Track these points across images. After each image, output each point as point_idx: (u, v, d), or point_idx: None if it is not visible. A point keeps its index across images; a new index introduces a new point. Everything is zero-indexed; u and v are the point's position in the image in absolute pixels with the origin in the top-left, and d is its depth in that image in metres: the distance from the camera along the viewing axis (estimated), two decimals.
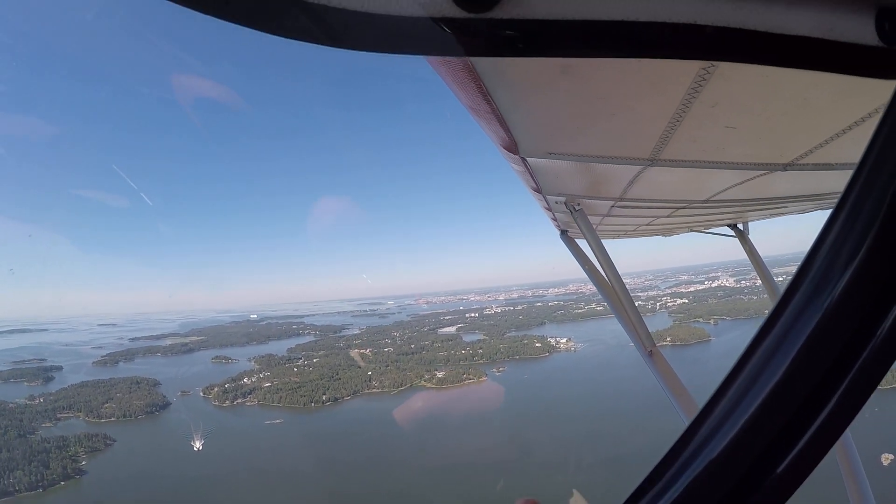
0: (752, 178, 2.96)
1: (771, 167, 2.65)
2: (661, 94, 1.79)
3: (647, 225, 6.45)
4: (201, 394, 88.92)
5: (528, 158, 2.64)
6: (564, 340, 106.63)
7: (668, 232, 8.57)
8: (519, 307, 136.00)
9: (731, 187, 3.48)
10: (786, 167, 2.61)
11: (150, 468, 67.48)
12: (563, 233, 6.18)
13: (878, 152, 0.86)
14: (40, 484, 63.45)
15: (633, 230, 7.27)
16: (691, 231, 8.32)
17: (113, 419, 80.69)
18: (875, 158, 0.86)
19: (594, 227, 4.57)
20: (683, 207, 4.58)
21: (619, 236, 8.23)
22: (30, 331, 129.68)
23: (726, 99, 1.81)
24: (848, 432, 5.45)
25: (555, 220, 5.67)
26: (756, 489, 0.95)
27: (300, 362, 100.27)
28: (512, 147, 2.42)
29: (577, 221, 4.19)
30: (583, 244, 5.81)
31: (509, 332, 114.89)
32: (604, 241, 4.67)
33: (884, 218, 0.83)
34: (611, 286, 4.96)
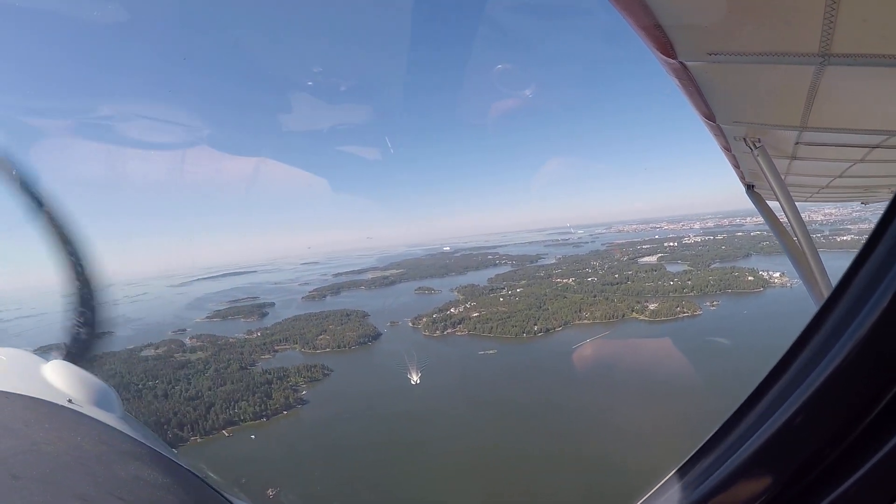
0: None
1: None
2: None
3: (841, 176, 5.42)
4: (410, 324, 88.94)
5: (688, 63, 2.39)
6: (778, 275, 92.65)
7: (867, 193, 7.67)
8: (719, 237, 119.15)
9: None
10: None
11: (369, 396, 66.68)
12: (750, 187, 5.95)
13: None
14: (264, 413, 65.14)
15: (826, 185, 6.23)
16: None
17: (328, 350, 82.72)
18: None
19: (782, 176, 4.14)
20: (878, 145, 3.71)
21: (810, 197, 7.49)
22: (241, 273, 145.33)
23: None
24: None
25: (738, 168, 5.36)
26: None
27: (503, 292, 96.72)
28: (667, 48, 2.17)
29: (759, 163, 3.78)
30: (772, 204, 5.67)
31: (714, 263, 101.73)
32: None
33: None
34: (799, 247, 4.70)
